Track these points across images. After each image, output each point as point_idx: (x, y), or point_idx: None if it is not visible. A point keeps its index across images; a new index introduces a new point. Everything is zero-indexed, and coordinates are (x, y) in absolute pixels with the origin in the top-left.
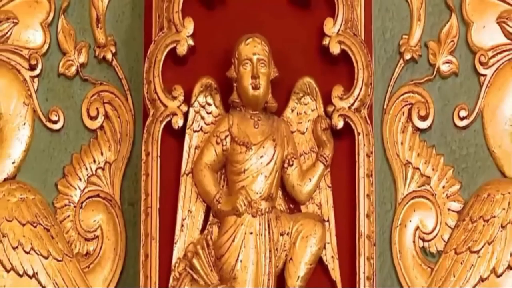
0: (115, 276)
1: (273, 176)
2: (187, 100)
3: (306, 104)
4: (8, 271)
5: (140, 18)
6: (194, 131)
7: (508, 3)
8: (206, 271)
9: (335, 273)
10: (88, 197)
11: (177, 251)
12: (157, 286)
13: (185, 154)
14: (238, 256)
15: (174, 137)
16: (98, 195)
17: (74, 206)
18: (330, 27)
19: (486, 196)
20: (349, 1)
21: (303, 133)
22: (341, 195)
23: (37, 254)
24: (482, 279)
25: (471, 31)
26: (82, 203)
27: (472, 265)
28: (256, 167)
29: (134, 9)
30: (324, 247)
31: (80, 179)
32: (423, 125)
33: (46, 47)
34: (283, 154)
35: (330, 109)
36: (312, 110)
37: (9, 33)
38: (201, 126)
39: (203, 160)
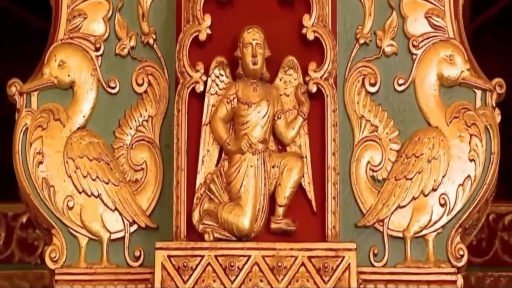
0: (155, 196)
1: (267, 126)
2: (206, 72)
3: (290, 75)
4: (80, 193)
5: (173, 14)
6: (211, 94)
7: (432, 3)
8: (220, 193)
9: (311, 194)
10: (137, 141)
11: (199, 179)
12: (185, 203)
13: (204, 111)
14: (242, 182)
15: (197, 98)
16: (143, 139)
17: (127, 147)
18: (307, 20)
19: (417, 139)
20: (321, 2)
21: (288, 96)
22: (315, 139)
23: (100, 181)
24: (414, 198)
25: (406, 23)
26: (132, 145)
27: (407, 188)
28: (255, 120)
29: (169, 8)
30: (303, 176)
31: (131, 128)
32: (372, 89)
33: (106, 35)
34: (274, 110)
35: (307, 78)
36: (295, 79)
37: (80, 25)
38: (216, 91)
39: (217, 115)
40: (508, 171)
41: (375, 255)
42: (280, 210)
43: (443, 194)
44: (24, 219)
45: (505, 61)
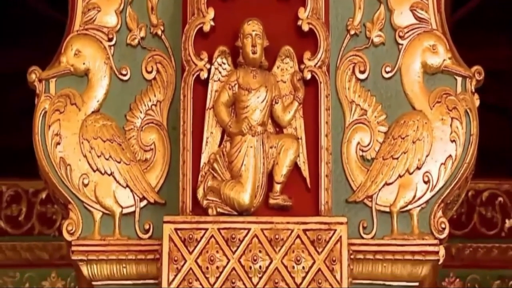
0: (163, 174)
1: (265, 110)
2: (210, 61)
3: (286, 63)
4: (94, 171)
5: (179, 8)
6: (214, 81)
7: None
8: (222, 171)
9: (306, 173)
10: (146, 123)
11: (203, 159)
12: (191, 181)
13: (208, 96)
14: (243, 162)
15: (201, 85)
16: (152, 122)
17: (137, 129)
18: (303, 13)
19: (402, 122)
20: None
21: (285, 82)
22: (309, 122)
23: (113, 160)
24: (400, 176)
25: (393, 15)
26: (142, 127)
27: (394, 167)
28: (254, 104)
29: (176, 2)
30: (298, 156)
31: (141, 112)
32: (362, 76)
33: (118, 26)
34: (272, 96)
35: (302, 66)
36: (291, 67)
37: (94, 17)
38: (219, 78)
39: (220, 100)
40: (486, 151)
41: (364, 228)
42: (277, 187)
43: (426, 172)
44: (43, 195)
45: (482, 51)
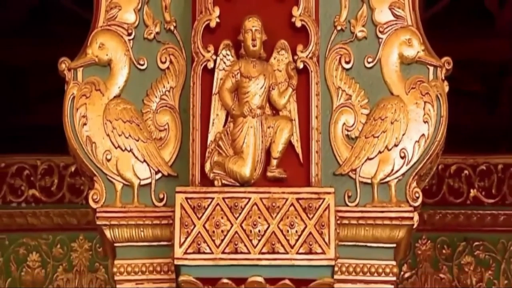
0: (176, 151)
1: (263, 95)
2: (216, 53)
3: (282, 55)
4: (116, 148)
5: (189, 7)
6: (220, 70)
7: None
8: (226, 148)
9: (298, 149)
10: (161, 107)
11: (210, 137)
12: (199, 157)
13: (214, 83)
14: (244, 140)
15: (208, 73)
16: (166, 106)
17: (153, 112)
18: (296, 11)
19: (382, 105)
20: None
21: (280, 71)
22: (302, 105)
23: (132, 139)
24: (380, 152)
25: (374, 13)
26: (157, 110)
27: (375, 144)
28: (254, 90)
29: (186, 1)
30: (292, 135)
31: (156, 97)
32: (347, 66)
33: (137, 23)
34: (269, 83)
35: (296, 57)
36: (286, 58)
37: (116, 15)
38: (223, 67)
39: (224, 86)
40: (454, 130)
41: (349, 197)
42: (274, 162)
43: (403, 149)
44: (72, 169)
45: (450, 44)
